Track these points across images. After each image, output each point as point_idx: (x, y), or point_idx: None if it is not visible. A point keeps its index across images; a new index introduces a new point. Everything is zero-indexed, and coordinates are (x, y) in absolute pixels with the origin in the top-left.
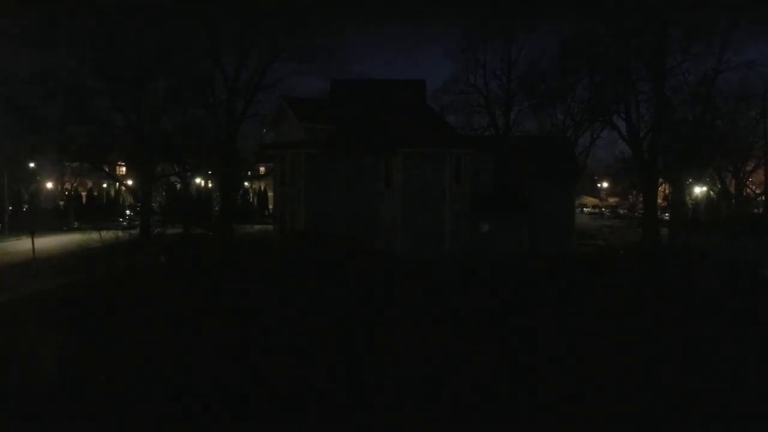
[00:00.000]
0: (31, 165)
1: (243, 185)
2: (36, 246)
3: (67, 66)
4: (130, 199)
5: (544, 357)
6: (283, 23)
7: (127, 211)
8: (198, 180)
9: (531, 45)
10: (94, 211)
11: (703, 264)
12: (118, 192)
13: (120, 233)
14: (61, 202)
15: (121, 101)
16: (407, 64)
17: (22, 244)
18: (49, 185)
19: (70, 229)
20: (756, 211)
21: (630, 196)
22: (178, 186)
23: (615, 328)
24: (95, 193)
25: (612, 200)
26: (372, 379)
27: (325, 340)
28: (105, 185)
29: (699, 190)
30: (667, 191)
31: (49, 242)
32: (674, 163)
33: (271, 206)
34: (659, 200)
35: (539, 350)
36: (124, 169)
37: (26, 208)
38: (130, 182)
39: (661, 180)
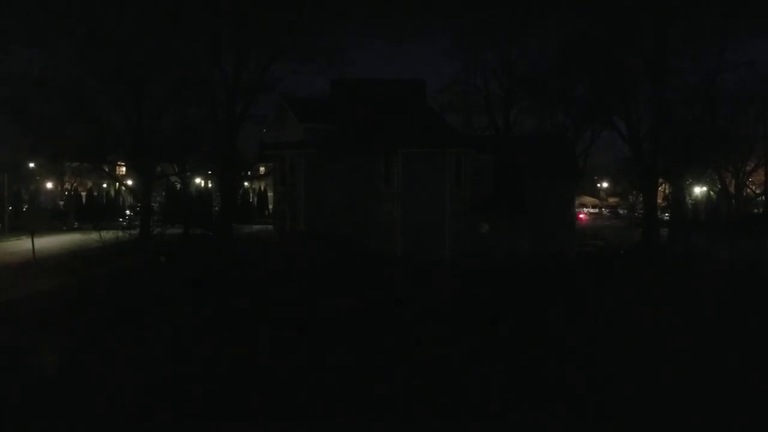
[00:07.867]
0: (31, 165)
1: (243, 185)
2: (36, 246)
3: (67, 66)
4: (130, 199)
5: (544, 359)
6: (283, 23)
7: (127, 211)
8: (198, 180)
9: (531, 45)
10: (94, 211)
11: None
12: (118, 192)
13: (120, 233)
14: (61, 202)
15: (121, 101)
16: (407, 64)
17: (22, 244)
18: (49, 185)
19: (70, 229)
20: (756, 211)
21: (630, 196)
22: (178, 186)
23: (617, 330)
24: (95, 193)
25: (612, 200)
26: (377, 380)
27: (326, 341)
28: (105, 185)
29: (699, 190)
30: (667, 191)
31: (49, 242)
32: (674, 163)
33: (271, 206)
34: (659, 200)
35: (540, 352)
36: (124, 169)
37: (26, 208)
38: (130, 182)
39: (661, 180)
